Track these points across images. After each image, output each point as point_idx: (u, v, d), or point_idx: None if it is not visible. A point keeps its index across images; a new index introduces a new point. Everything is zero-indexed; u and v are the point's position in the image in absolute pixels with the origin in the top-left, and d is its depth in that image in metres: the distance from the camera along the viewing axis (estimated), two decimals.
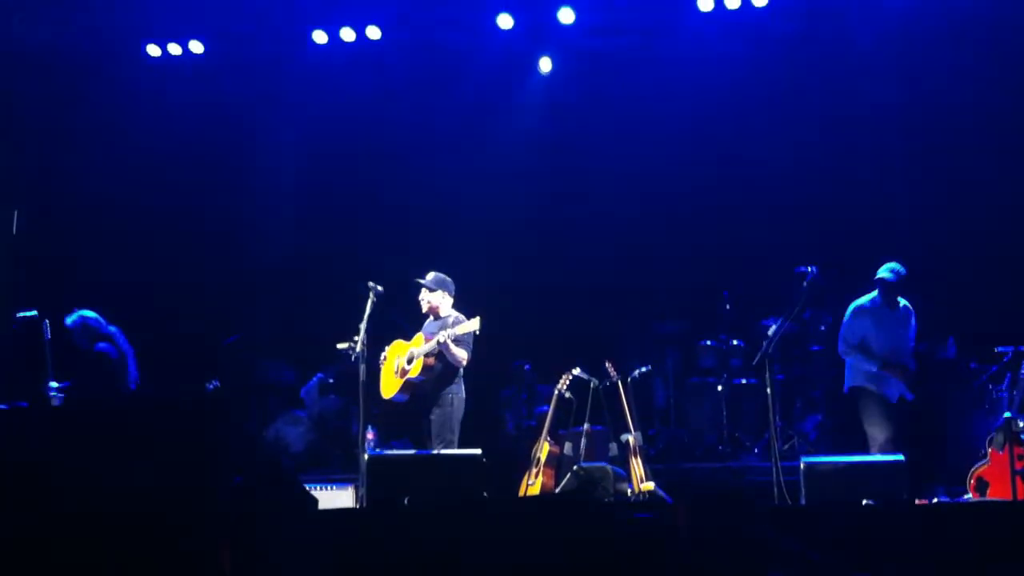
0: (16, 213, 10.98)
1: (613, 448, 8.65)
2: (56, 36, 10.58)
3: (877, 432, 8.07)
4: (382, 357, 7.93)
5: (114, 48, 11.03)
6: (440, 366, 7.73)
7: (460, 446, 7.59)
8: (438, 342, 7.56)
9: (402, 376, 7.75)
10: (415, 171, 11.74)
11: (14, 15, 10.27)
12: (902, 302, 8.30)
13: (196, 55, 11.32)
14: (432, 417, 7.76)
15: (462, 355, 7.68)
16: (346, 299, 8.19)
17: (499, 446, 10.40)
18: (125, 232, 11.46)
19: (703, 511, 3.96)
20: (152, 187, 11.52)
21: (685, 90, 11.14)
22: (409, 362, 7.74)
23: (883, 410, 8.12)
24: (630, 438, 8.26)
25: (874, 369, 8.11)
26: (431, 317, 8.06)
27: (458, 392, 7.83)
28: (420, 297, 8.01)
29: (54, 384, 7.86)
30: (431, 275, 8.03)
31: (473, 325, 7.52)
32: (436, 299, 7.99)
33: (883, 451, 7.82)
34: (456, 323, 7.74)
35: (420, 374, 7.67)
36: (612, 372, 8.63)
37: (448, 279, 8.09)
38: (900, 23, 10.58)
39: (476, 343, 7.78)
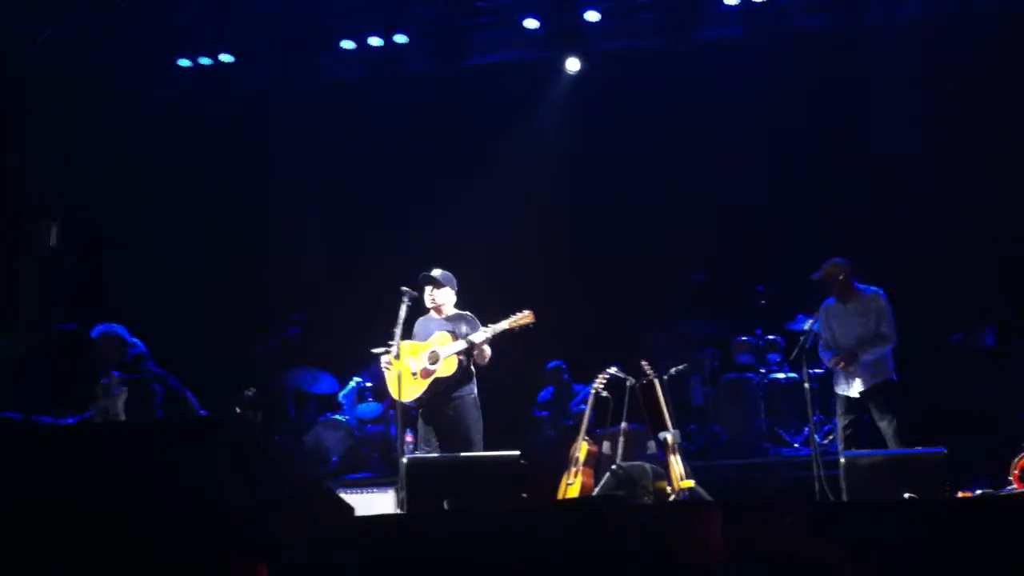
0: (53, 226, 11.14)
1: (651, 446, 8.62)
2: (87, 51, 10.68)
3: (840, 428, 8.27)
4: (386, 360, 7.63)
5: (143, 62, 11.11)
6: (466, 363, 7.68)
7: (497, 447, 7.57)
8: (478, 342, 7.49)
9: (427, 376, 7.61)
10: (444, 175, 11.79)
11: (46, 29, 10.40)
12: (865, 293, 8.25)
13: (226, 66, 11.41)
14: (450, 414, 7.65)
15: (489, 353, 7.65)
16: (381, 304, 8.23)
17: (537, 447, 10.42)
18: (159, 241, 11.59)
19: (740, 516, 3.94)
20: (185, 196, 11.65)
21: (714, 86, 11.13)
22: (434, 362, 7.61)
23: (841, 407, 8.29)
24: (668, 436, 8.24)
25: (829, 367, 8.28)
26: (431, 314, 7.87)
27: (473, 391, 7.76)
28: (427, 293, 7.82)
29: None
30: (437, 271, 7.91)
31: (530, 317, 7.51)
32: (443, 296, 7.88)
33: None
34: (470, 321, 7.73)
35: (454, 372, 7.59)
36: (648, 371, 8.61)
37: (451, 275, 7.96)
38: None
39: (511, 343, 7.77)
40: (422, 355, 7.67)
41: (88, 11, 9.99)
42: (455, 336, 7.69)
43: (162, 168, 11.54)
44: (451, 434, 7.63)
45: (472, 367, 7.72)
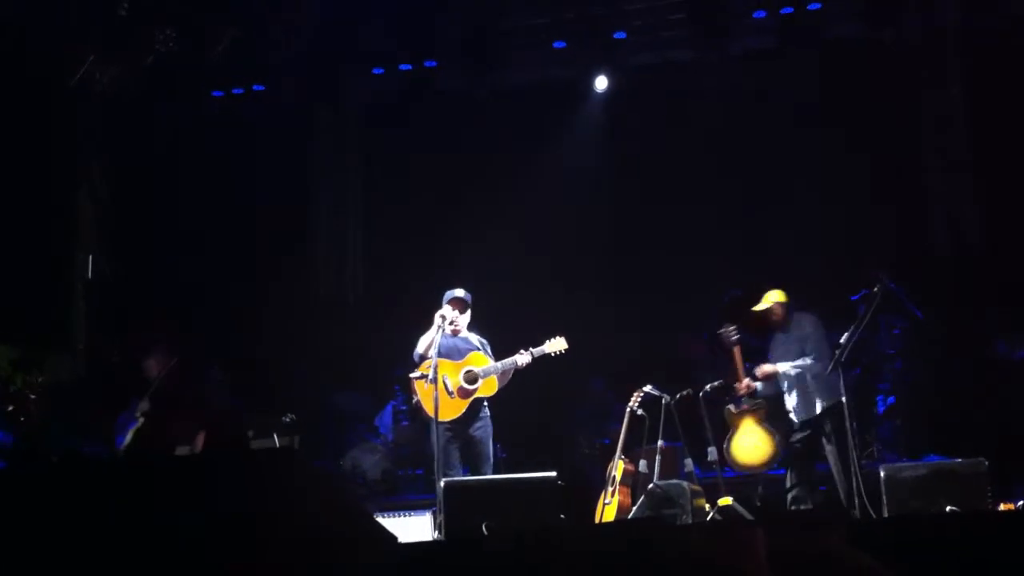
0: (91, 257, 11.30)
1: (688, 464, 8.58)
2: (125, 77, 10.83)
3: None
4: (420, 374, 7.65)
5: (180, 88, 11.24)
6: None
7: (533, 468, 7.61)
8: (527, 361, 7.69)
9: (465, 396, 7.72)
10: (479, 197, 11.84)
11: (88, 57, 10.57)
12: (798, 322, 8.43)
13: (261, 93, 11.54)
14: (476, 434, 7.76)
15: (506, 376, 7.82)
16: (416, 327, 8.27)
17: (573, 466, 10.40)
18: (194, 267, 11.69)
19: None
20: (221, 221, 11.76)
21: (747, 99, 11.12)
22: (471, 381, 7.71)
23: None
24: (713, 452, 8.30)
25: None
26: (447, 333, 7.83)
27: (488, 413, 7.89)
28: (453, 312, 7.85)
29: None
30: (461, 292, 7.97)
31: (563, 343, 7.71)
32: (467, 317, 8.00)
33: None
34: (480, 343, 7.88)
35: (493, 393, 7.74)
36: (687, 392, 8.64)
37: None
38: None
39: (546, 362, 7.86)
40: (457, 374, 7.71)
41: (129, 42, 10.12)
42: (488, 356, 7.78)
43: (199, 193, 11.66)
44: (475, 451, 7.78)
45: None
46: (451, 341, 7.91)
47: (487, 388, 7.73)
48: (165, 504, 3.42)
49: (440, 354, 7.71)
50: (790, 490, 8.26)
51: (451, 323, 7.87)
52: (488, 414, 7.86)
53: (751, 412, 8.42)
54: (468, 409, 7.72)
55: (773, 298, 8.53)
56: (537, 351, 7.74)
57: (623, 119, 11.56)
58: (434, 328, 7.71)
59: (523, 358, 7.71)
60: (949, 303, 8.97)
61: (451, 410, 7.73)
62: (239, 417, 8.92)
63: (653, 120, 11.51)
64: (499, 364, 7.73)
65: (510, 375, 7.80)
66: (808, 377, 8.30)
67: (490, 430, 7.85)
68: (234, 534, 3.27)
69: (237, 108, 11.67)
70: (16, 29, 9.96)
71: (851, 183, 11.06)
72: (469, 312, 8.01)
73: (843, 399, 7.79)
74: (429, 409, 7.61)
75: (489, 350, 7.95)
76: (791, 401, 8.45)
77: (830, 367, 7.89)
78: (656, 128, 11.52)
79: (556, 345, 7.71)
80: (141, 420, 8.18)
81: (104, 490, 3.58)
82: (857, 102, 11.03)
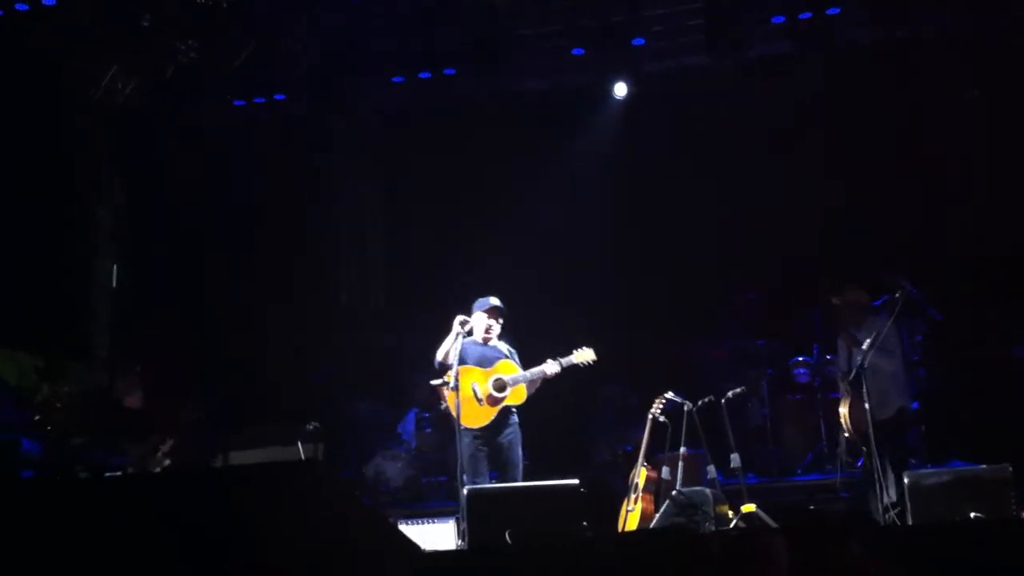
0: (115, 267, 11.39)
1: (711, 471, 8.57)
2: (147, 87, 10.91)
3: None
4: (443, 381, 7.71)
5: (201, 98, 11.31)
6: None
7: (555, 474, 7.62)
8: (555, 371, 7.72)
9: (494, 404, 7.75)
10: (497, 204, 11.86)
11: (108, 71, 10.66)
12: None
13: (280, 103, 11.60)
14: (504, 442, 7.78)
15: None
16: (437, 333, 8.31)
17: (594, 473, 10.40)
18: (214, 275, 11.76)
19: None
20: (239, 232, 11.82)
21: (765, 103, 11.12)
22: (500, 389, 7.75)
23: None
24: (736, 459, 8.29)
25: None
26: (473, 339, 7.93)
27: (518, 420, 7.92)
28: (491, 320, 7.95)
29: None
30: (496, 300, 8.04)
31: (592, 355, 7.74)
32: (499, 326, 8.05)
33: None
34: (509, 352, 7.92)
35: (521, 401, 7.79)
36: (709, 399, 8.64)
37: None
38: None
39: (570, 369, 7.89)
40: (486, 382, 7.75)
41: (151, 53, 10.21)
42: (517, 365, 7.80)
43: (219, 202, 11.72)
44: (504, 458, 7.79)
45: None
46: (481, 349, 7.96)
47: (515, 396, 7.77)
48: (192, 516, 3.45)
49: (470, 362, 7.82)
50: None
51: (485, 331, 7.95)
52: (517, 421, 7.90)
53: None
54: (497, 416, 7.76)
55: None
56: (565, 361, 7.78)
57: (640, 125, 11.55)
58: (452, 335, 7.75)
59: (551, 367, 7.75)
60: (967, 307, 8.92)
61: (480, 417, 7.77)
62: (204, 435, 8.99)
63: (670, 126, 11.52)
64: (528, 373, 7.77)
65: (538, 384, 7.84)
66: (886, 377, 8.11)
67: (519, 437, 7.88)
68: (261, 545, 3.29)
69: (257, 117, 11.72)
70: (39, 40, 10.06)
71: (867, 186, 11.04)
72: (502, 320, 8.04)
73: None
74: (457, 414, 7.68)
75: (517, 359, 7.98)
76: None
77: (852, 374, 7.85)
78: (672, 133, 11.53)
79: (584, 356, 7.75)
80: (167, 461, 8.32)
81: (131, 504, 3.61)
82: (872, 105, 11.01)
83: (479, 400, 7.75)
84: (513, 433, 7.84)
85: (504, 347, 8.01)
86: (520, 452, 7.85)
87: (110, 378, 10.70)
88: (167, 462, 8.39)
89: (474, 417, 7.75)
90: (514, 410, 7.89)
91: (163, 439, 8.41)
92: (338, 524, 3.55)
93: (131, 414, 8.87)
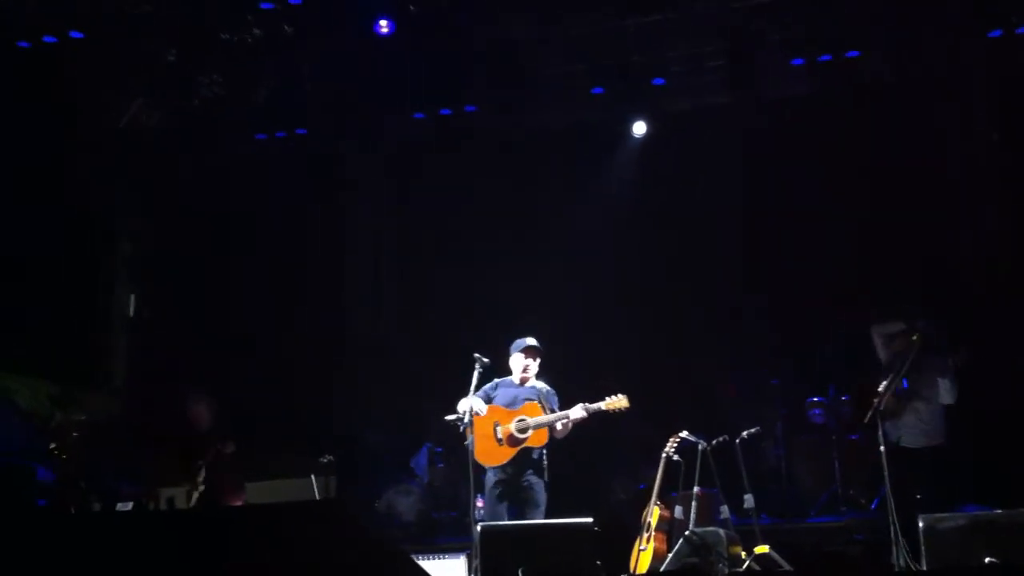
0: (133, 297, 11.46)
1: (724, 511, 8.53)
2: (171, 119, 11.02)
3: None
4: (455, 417, 7.74)
5: (225, 133, 11.42)
6: (551, 435, 7.83)
7: (568, 512, 7.60)
8: (574, 418, 7.64)
9: (514, 444, 7.76)
10: (514, 239, 11.91)
11: (133, 103, 10.80)
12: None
13: (301, 136, 11.70)
14: (525, 484, 7.78)
15: (570, 427, 7.77)
16: (452, 370, 8.34)
17: (608, 511, 10.36)
18: (231, 305, 11.81)
19: None
20: (256, 262, 11.89)
21: (783, 143, 11.16)
22: (523, 431, 7.75)
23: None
24: (750, 499, 8.26)
25: None
26: (510, 379, 8.04)
27: (548, 461, 7.90)
28: (528, 360, 7.99)
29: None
30: (532, 340, 8.06)
31: (625, 402, 7.66)
32: (537, 365, 8.07)
33: None
34: (549, 395, 7.89)
35: (544, 444, 7.78)
36: (723, 439, 8.62)
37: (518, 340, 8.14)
38: None
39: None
40: (510, 422, 7.76)
41: (175, 86, 10.34)
42: (543, 407, 7.78)
43: (237, 232, 11.80)
44: (523, 497, 7.78)
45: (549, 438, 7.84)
46: (515, 390, 8.02)
47: (536, 439, 7.75)
48: (218, 554, 3.46)
49: (499, 402, 7.93)
50: None
51: (523, 371, 8.02)
52: (544, 463, 7.87)
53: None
54: (517, 456, 7.75)
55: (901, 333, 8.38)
56: (592, 407, 7.70)
57: (659, 162, 11.60)
58: (475, 375, 7.76)
59: (577, 413, 7.70)
60: (983, 344, 8.89)
61: (497, 457, 7.81)
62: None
63: (688, 163, 11.55)
64: (551, 417, 7.75)
65: (570, 426, 7.76)
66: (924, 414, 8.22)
67: (544, 478, 7.85)
68: None
69: (279, 150, 11.82)
70: (66, 71, 10.19)
71: (885, 223, 11.04)
72: (539, 360, 8.06)
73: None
74: (476, 452, 7.73)
75: (555, 399, 7.95)
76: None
77: (868, 416, 7.83)
78: (691, 171, 11.56)
79: (616, 403, 7.68)
80: (202, 487, 8.38)
81: (166, 540, 3.62)
82: (890, 143, 11.04)
83: (499, 440, 7.78)
84: (535, 474, 7.82)
85: (542, 387, 7.98)
86: (543, 494, 7.81)
87: (126, 406, 10.77)
88: (202, 487, 8.44)
89: (491, 456, 7.79)
90: (543, 452, 7.87)
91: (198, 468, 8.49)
92: (363, 561, 3.56)
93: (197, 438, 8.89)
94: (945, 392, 8.25)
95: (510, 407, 7.91)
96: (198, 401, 9.07)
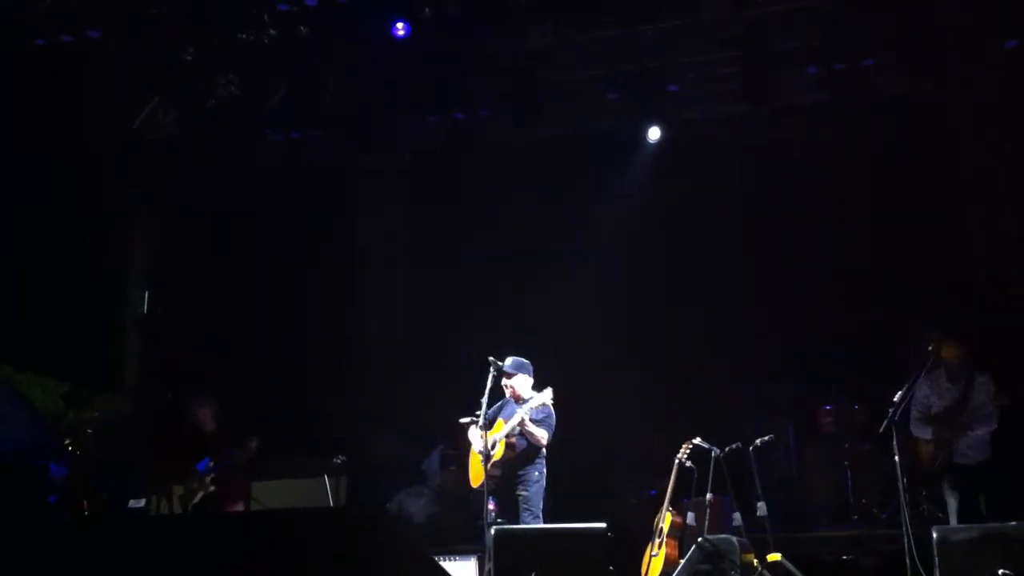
0: (147, 294, 11.48)
1: (736, 518, 8.52)
2: (186, 120, 11.04)
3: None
4: (477, 420, 7.96)
5: (241, 134, 11.42)
6: (523, 445, 7.96)
7: (580, 518, 7.63)
8: (518, 424, 7.81)
9: (487, 460, 7.88)
10: (524, 244, 11.92)
11: (150, 102, 10.83)
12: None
13: (315, 137, 11.71)
14: (515, 487, 7.96)
15: (541, 435, 7.93)
16: (465, 372, 8.36)
17: (620, 517, 10.35)
18: (243, 307, 11.82)
19: None
20: (268, 263, 11.90)
21: (796, 152, 11.15)
22: (493, 447, 7.87)
23: None
24: (762, 507, 8.25)
25: None
26: (511, 401, 8.23)
27: (540, 469, 8.02)
28: (503, 383, 8.13)
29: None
30: (509, 360, 8.16)
31: (545, 397, 7.78)
32: (517, 383, 8.17)
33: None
34: (534, 409, 7.95)
35: (503, 456, 7.90)
36: (736, 446, 8.62)
37: (526, 361, 8.24)
38: None
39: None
40: (491, 439, 7.94)
41: (191, 86, 10.37)
42: (505, 422, 8.02)
43: (250, 233, 11.81)
44: (516, 504, 7.95)
45: (535, 448, 7.99)
46: (510, 408, 8.19)
47: (498, 453, 7.89)
48: (260, 559, 3.45)
49: (497, 417, 8.16)
50: None
51: (509, 391, 8.20)
52: (534, 475, 7.99)
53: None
54: (488, 472, 7.83)
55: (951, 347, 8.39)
56: (525, 408, 7.86)
57: (672, 170, 11.59)
58: (489, 378, 7.92)
59: (515, 419, 7.88)
60: (995, 358, 8.86)
61: (477, 471, 8.06)
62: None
63: (702, 171, 11.52)
64: (501, 433, 7.93)
65: (537, 436, 7.88)
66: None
67: (535, 487, 7.96)
68: None
69: (292, 152, 11.83)
70: (82, 69, 10.21)
71: (897, 231, 11.03)
72: (521, 378, 8.17)
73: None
74: (470, 467, 8.12)
75: (539, 413, 7.99)
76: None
77: (883, 426, 7.80)
78: (704, 179, 11.54)
79: (540, 398, 7.83)
80: (212, 487, 8.42)
81: (162, 545, 3.62)
82: (902, 152, 11.01)
83: (480, 452, 7.95)
84: (524, 484, 7.95)
85: (536, 402, 7.99)
86: (534, 502, 7.91)
87: (138, 404, 10.79)
88: (211, 488, 8.46)
89: (476, 472, 8.06)
90: (537, 461, 8.00)
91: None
92: (399, 568, 3.55)
93: (199, 439, 8.93)
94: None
95: (495, 424, 8.11)
96: (201, 403, 9.10)
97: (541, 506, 7.94)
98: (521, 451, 7.96)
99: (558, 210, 11.90)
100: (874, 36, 10.25)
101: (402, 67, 10.68)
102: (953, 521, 8.05)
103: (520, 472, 7.96)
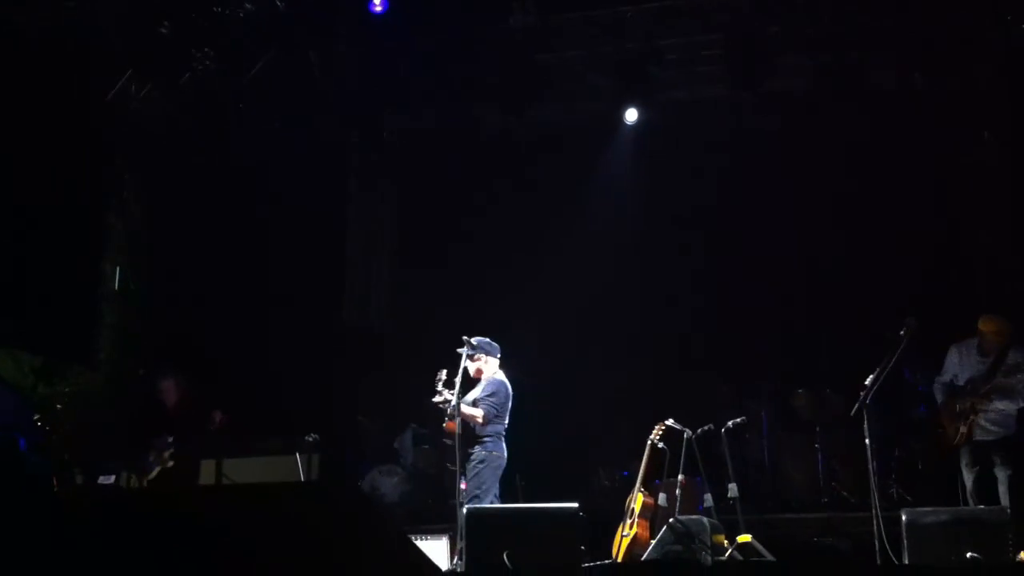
0: (119, 270, 11.37)
1: (708, 499, 8.56)
2: (161, 94, 10.93)
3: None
4: (451, 400, 8.03)
5: (223, 112, 11.32)
6: (461, 427, 7.97)
7: (553, 497, 7.65)
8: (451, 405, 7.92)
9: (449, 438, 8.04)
10: (508, 230, 11.90)
11: (125, 72, 10.72)
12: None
13: (300, 119, 11.62)
14: (471, 470, 8.02)
15: (476, 413, 8.00)
16: (438, 354, 8.36)
17: (593, 497, 10.39)
18: (221, 286, 11.74)
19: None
20: (250, 242, 11.81)
21: (780, 140, 11.16)
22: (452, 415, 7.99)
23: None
24: (734, 488, 8.28)
25: None
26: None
27: (489, 448, 8.05)
28: (465, 363, 8.16)
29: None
30: (474, 340, 8.22)
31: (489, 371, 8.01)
32: (475, 364, 8.24)
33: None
34: (485, 384, 8.11)
35: (447, 438, 8.07)
36: (709, 427, 8.65)
37: (492, 343, 8.30)
38: None
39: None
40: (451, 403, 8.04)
41: (167, 60, 10.27)
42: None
43: (231, 213, 11.71)
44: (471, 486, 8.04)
45: (471, 429, 8.06)
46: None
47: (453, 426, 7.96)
48: (232, 534, 3.43)
49: None
50: None
51: (474, 370, 8.29)
52: (481, 454, 8.05)
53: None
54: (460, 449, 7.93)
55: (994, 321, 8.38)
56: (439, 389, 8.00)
57: (657, 155, 11.58)
58: (463, 357, 8.06)
59: (438, 398, 7.98)
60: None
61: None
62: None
63: (686, 157, 11.52)
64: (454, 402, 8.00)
65: (468, 415, 7.98)
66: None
67: (480, 467, 8.02)
68: (300, 566, 3.27)
69: (273, 130, 11.73)
70: (54, 42, 10.08)
71: (885, 228, 11.06)
72: (485, 358, 8.28)
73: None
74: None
75: (484, 390, 8.14)
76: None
77: (854, 409, 7.84)
78: (687, 165, 11.53)
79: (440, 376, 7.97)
80: (170, 463, 8.35)
81: (171, 520, 3.59)
82: (892, 148, 11.03)
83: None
84: (472, 464, 8.02)
85: (488, 379, 8.18)
86: (483, 484, 7.95)
87: (110, 379, 10.71)
88: (170, 463, 8.39)
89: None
90: (482, 442, 8.05)
91: (167, 444, 8.43)
92: (371, 546, 3.53)
93: (162, 413, 8.92)
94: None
95: None
96: (165, 375, 9.05)
97: (490, 487, 7.98)
98: (462, 434, 8.00)
99: (543, 195, 11.89)
100: (864, 25, 10.25)
101: (386, 51, 10.63)
102: (1004, 500, 7.94)
103: (469, 451, 8.06)
